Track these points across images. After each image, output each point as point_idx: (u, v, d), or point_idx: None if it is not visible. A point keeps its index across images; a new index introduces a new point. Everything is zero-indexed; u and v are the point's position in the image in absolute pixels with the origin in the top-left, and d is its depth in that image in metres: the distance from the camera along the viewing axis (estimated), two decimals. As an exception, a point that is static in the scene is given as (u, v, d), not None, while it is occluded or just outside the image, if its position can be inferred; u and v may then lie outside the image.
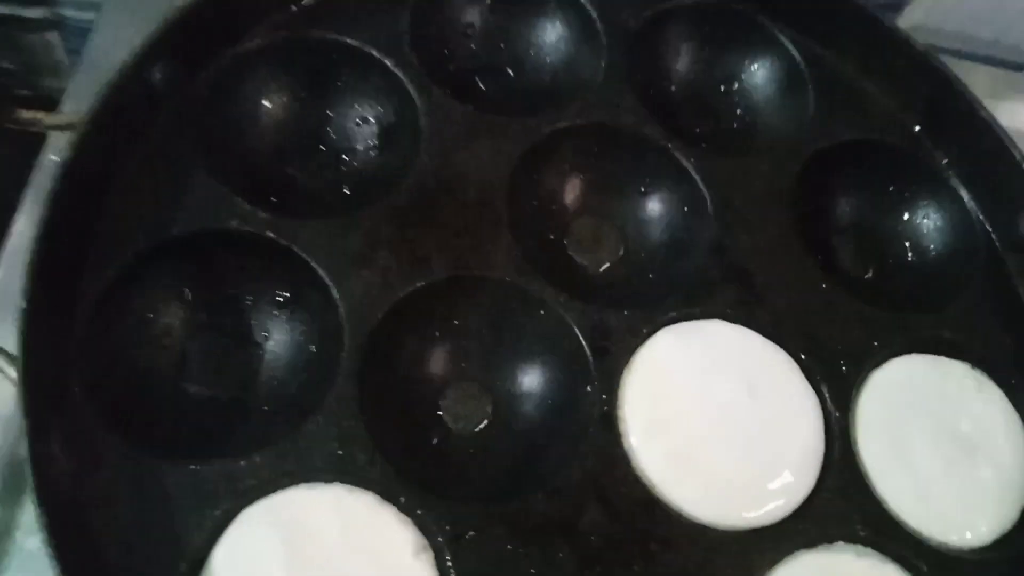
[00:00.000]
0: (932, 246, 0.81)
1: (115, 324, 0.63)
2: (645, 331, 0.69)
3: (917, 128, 0.83)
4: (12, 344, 0.58)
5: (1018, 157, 0.76)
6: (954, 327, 0.74)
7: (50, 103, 0.92)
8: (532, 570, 0.60)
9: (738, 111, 0.85)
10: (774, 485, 0.66)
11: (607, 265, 0.77)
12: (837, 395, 0.69)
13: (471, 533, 0.61)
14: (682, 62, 0.85)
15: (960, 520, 0.67)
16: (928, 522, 0.67)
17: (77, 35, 1.16)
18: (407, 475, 0.62)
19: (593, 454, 0.65)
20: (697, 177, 0.76)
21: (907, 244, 0.81)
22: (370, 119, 0.77)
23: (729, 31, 0.85)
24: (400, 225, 0.70)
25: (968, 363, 0.73)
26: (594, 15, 0.81)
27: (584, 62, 0.81)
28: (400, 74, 0.75)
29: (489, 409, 0.70)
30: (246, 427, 0.65)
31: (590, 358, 0.67)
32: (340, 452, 0.61)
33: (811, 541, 0.64)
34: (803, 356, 0.70)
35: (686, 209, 0.76)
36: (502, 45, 0.84)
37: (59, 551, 0.52)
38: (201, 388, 0.67)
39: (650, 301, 0.71)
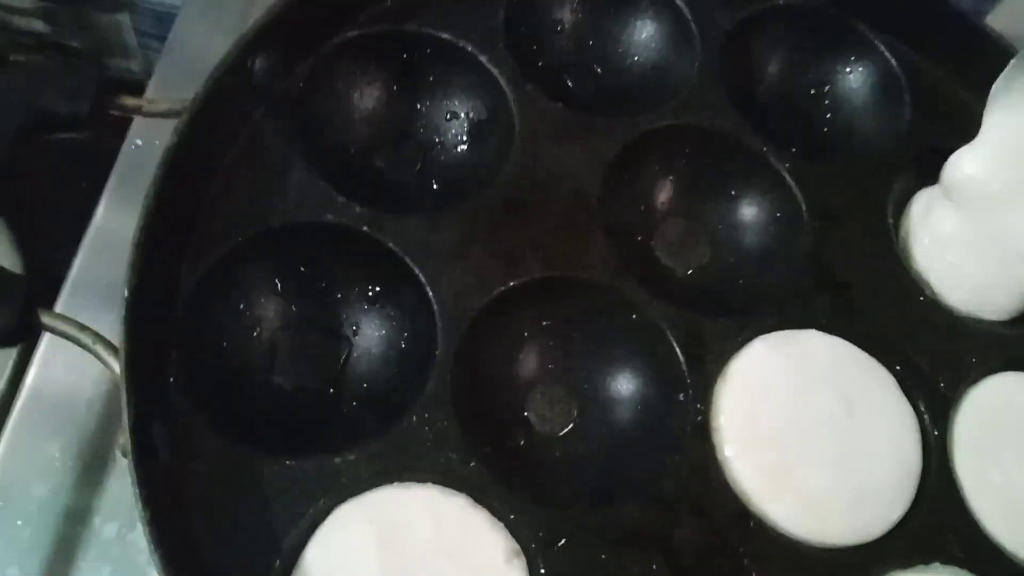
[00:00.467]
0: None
1: (211, 315, 0.63)
2: (739, 339, 0.68)
3: (1012, 138, 0.81)
4: (105, 328, 0.59)
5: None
6: (1052, 346, 0.72)
7: (120, 84, 0.92)
8: (625, 580, 0.60)
9: (828, 116, 0.84)
10: (869, 502, 0.64)
11: (692, 270, 0.76)
12: (934, 411, 0.68)
13: (563, 540, 0.60)
14: (775, 65, 0.84)
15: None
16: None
17: (147, 16, 1.17)
18: (499, 478, 0.61)
19: (687, 464, 0.64)
20: (791, 183, 0.74)
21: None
22: (460, 114, 0.76)
23: (824, 34, 0.83)
24: (492, 223, 0.69)
25: (1066, 383, 0.71)
26: (688, 15, 0.79)
27: (675, 62, 0.80)
28: (494, 70, 0.74)
29: (575, 412, 0.69)
30: (338, 424, 0.64)
31: (684, 366, 0.66)
32: (434, 452, 0.61)
33: (906, 561, 0.63)
34: (899, 368, 0.69)
35: (779, 215, 0.75)
36: (591, 43, 0.83)
37: (159, 544, 0.52)
38: (288, 381, 0.66)
39: (743, 308, 0.70)
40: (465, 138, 0.76)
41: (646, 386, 0.68)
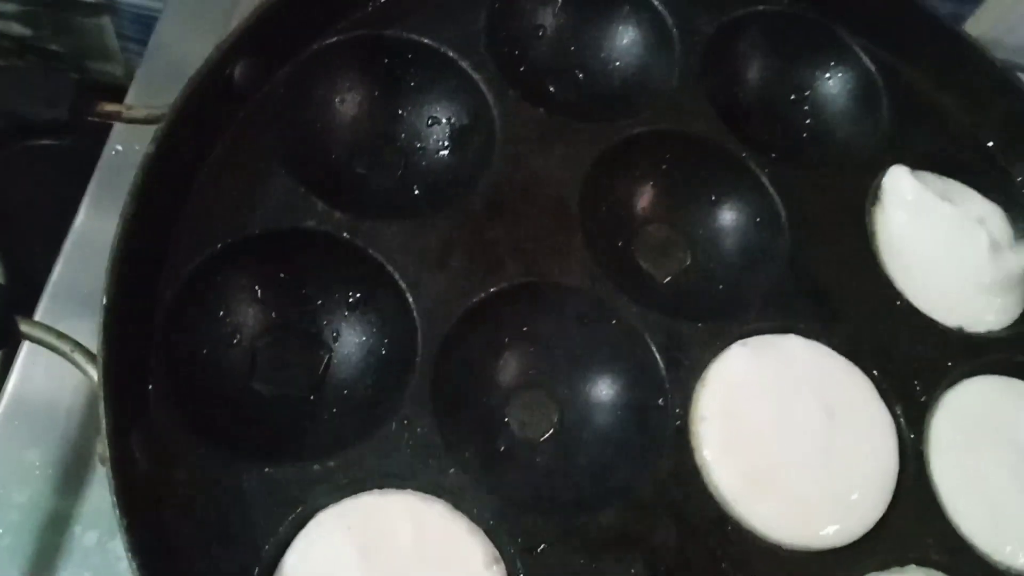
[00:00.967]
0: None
1: (190, 323, 0.63)
2: (719, 344, 0.68)
3: (990, 144, 0.82)
4: (85, 336, 0.58)
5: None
6: (1026, 350, 0.73)
7: (102, 88, 0.92)
8: (605, 585, 0.60)
9: (808, 121, 0.84)
10: (847, 505, 0.65)
11: (673, 274, 0.76)
12: (911, 415, 0.68)
13: (543, 546, 0.60)
14: (755, 70, 0.84)
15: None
16: (1000, 546, 0.66)
17: (129, 20, 1.16)
18: (479, 483, 0.61)
19: (666, 469, 0.64)
20: (771, 188, 0.75)
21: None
22: (441, 119, 0.76)
23: (803, 40, 0.84)
24: (473, 228, 0.69)
25: (1041, 385, 0.72)
26: (668, 20, 0.80)
27: (656, 68, 0.80)
28: (475, 75, 0.74)
29: (555, 418, 0.69)
30: (318, 430, 0.64)
31: (663, 370, 0.67)
32: (413, 458, 0.61)
33: (883, 563, 0.64)
34: (876, 373, 0.69)
35: (758, 220, 0.75)
36: (572, 48, 0.83)
37: (137, 551, 0.52)
38: (268, 388, 0.66)
39: (722, 313, 0.71)
40: (447, 143, 0.76)
41: (626, 391, 0.68)
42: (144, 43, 0.93)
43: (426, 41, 0.74)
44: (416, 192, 0.74)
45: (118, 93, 0.83)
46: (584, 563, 0.60)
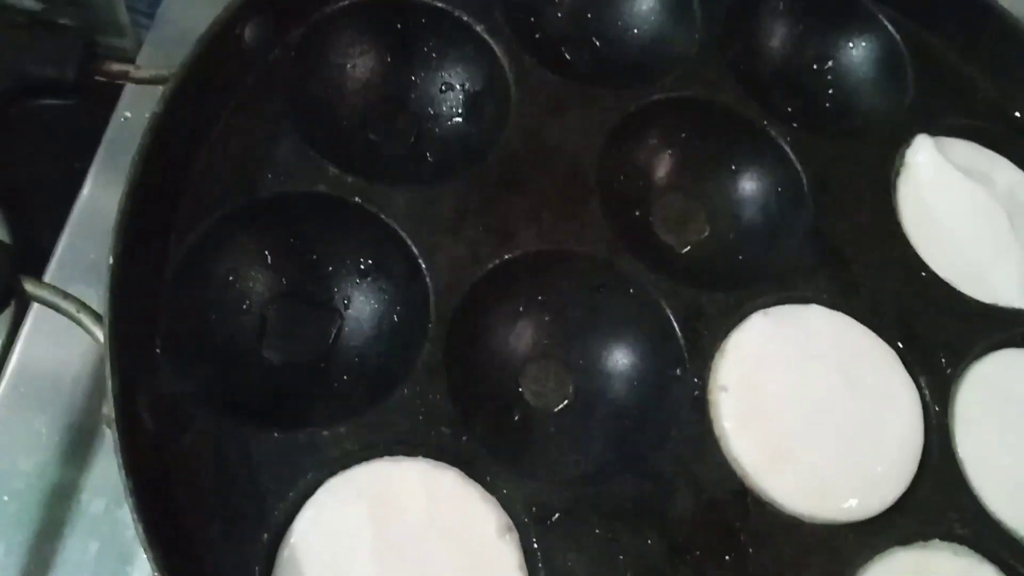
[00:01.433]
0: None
1: (199, 286, 0.62)
2: (738, 314, 0.67)
3: (1018, 114, 0.80)
4: (93, 303, 0.57)
5: None
6: (1056, 322, 0.71)
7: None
8: (620, 556, 0.58)
9: (831, 91, 0.82)
10: (870, 478, 0.63)
11: (692, 244, 0.75)
12: (935, 388, 0.67)
13: (557, 515, 0.59)
14: (776, 38, 0.82)
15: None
16: (1025, 520, 0.64)
17: (140, -6, 1.15)
18: (492, 452, 0.60)
19: (684, 440, 0.62)
20: (793, 157, 0.73)
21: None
22: (456, 85, 0.75)
23: (826, 8, 0.82)
24: (488, 196, 0.68)
25: (1069, 359, 0.70)
26: (689, -14, 0.78)
27: (677, 34, 0.79)
28: (491, 40, 0.72)
29: (570, 388, 0.68)
30: (329, 397, 0.63)
31: (681, 340, 0.65)
32: (425, 426, 0.60)
33: (907, 538, 0.62)
34: (900, 345, 0.68)
35: (780, 190, 0.74)
36: (589, 15, 0.81)
37: (143, 516, 0.51)
38: (278, 354, 0.65)
39: (743, 283, 0.69)
40: (461, 110, 0.75)
41: (643, 361, 0.67)
42: (154, 16, 0.92)
43: (440, 5, 0.73)
44: (429, 159, 0.73)
45: (129, 66, 0.82)
46: (599, 533, 0.59)
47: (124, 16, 1.19)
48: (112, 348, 0.53)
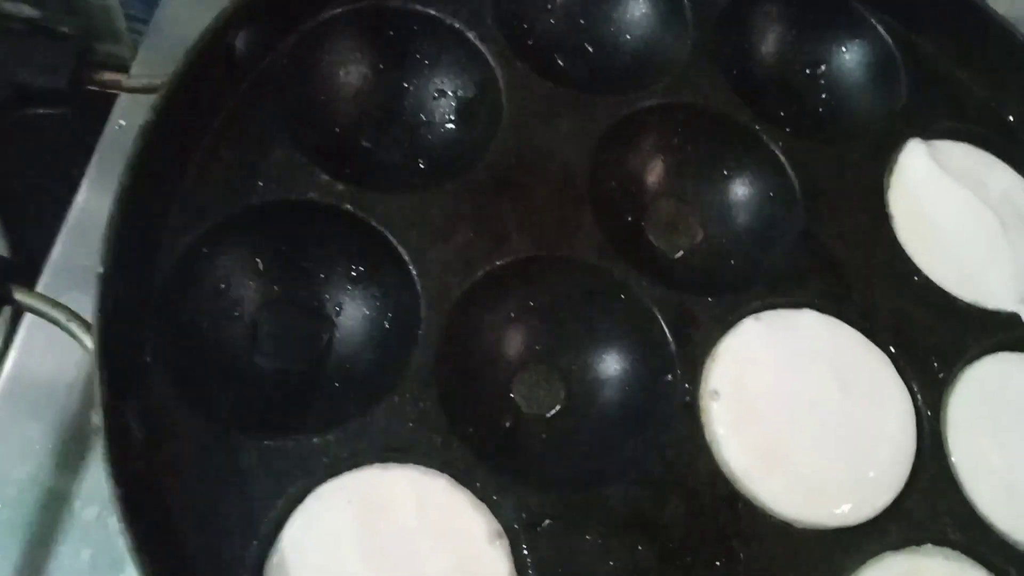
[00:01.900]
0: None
1: (189, 294, 0.62)
2: (730, 319, 0.67)
3: (1011, 118, 0.80)
4: (86, 311, 0.57)
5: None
6: (1049, 326, 0.71)
7: (112, 69, 0.91)
8: (611, 563, 0.58)
9: (823, 95, 0.82)
10: (862, 483, 0.63)
11: (685, 250, 0.75)
12: (928, 392, 0.67)
13: (548, 522, 0.59)
14: (768, 43, 0.82)
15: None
16: (1019, 524, 0.64)
17: (137, 1, 1.15)
18: (482, 459, 0.60)
19: (675, 446, 0.62)
20: (785, 162, 0.73)
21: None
22: (448, 92, 0.75)
23: (819, 12, 0.82)
24: (479, 202, 0.68)
25: (1062, 364, 0.70)
26: (680, -8, 0.78)
27: (669, 40, 0.79)
28: (482, 47, 0.73)
29: (562, 394, 0.67)
30: (319, 404, 0.63)
31: (672, 345, 0.65)
32: (416, 433, 0.60)
33: (899, 543, 0.62)
34: (893, 349, 0.68)
35: (772, 195, 0.74)
36: (582, 21, 0.81)
37: (131, 524, 0.51)
38: (270, 362, 0.65)
39: (735, 288, 0.69)
40: (453, 116, 0.75)
41: (634, 366, 0.67)
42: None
43: (432, 12, 0.73)
44: (422, 166, 0.73)
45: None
46: (590, 540, 0.59)
47: (121, 23, 1.19)
48: (101, 357, 0.53)
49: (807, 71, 0.83)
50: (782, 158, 0.73)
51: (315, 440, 0.58)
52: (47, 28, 1.20)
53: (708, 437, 0.63)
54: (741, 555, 0.60)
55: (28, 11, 1.18)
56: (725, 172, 0.75)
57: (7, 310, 0.59)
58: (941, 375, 0.67)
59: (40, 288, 0.74)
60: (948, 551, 0.62)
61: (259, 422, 0.60)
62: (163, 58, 0.83)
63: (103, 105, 0.81)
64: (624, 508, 0.60)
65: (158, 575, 0.50)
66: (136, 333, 0.58)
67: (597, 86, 0.76)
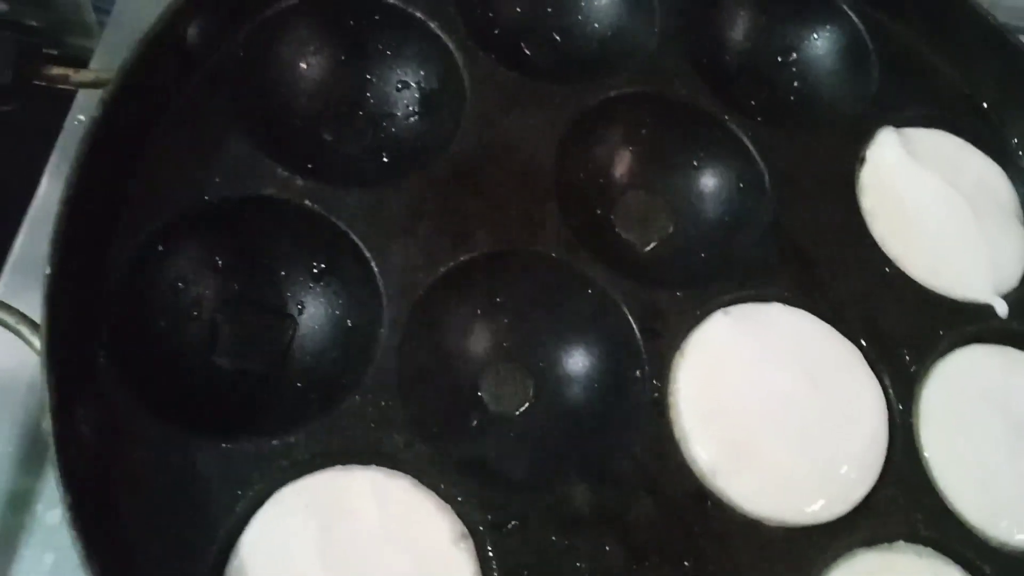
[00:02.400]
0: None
1: (144, 293, 0.61)
2: (698, 313, 0.66)
3: (985, 104, 0.79)
4: (38, 312, 0.56)
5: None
6: (1023, 318, 0.70)
7: (79, 63, 0.90)
8: (578, 563, 0.58)
9: (795, 83, 0.81)
10: (833, 479, 0.62)
11: (655, 243, 0.73)
12: (899, 386, 0.66)
13: (514, 522, 0.58)
14: (738, 30, 0.81)
15: (1024, 518, 0.64)
16: (991, 520, 0.64)
17: (107, -6, 1.13)
18: (446, 459, 0.59)
19: (642, 442, 0.61)
20: (755, 152, 0.72)
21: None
22: (411, 83, 0.73)
23: (790, -1, 0.81)
24: (442, 196, 0.67)
25: (1036, 354, 0.69)
26: (648, -22, 0.77)
27: (636, 28, 0.77)
28: (445, 37, 0.71)
29: (531, 391, 0.66)
30: (279, 405, 0.62)
31: (640, 340, 0.64)
32: (377, 433, 0.59)
33: (871, 539, 0.61)
34: (863, 342, 0.67)
35: (742, 185, 0.73)
36: (549, 9, 0.80)
37: (82, 532, 0.50)
38: (232, 362, 0.64)
39: (703, 281, 0.68)
40: (417, 108, 0.73)
41: (601, 362, 0.66)
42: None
43: (392, 1, 0.71)
44: (385, 159, 0.72)
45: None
46: (556, 540, 0.58)
47: (91, 16, 1.18)
48: (49, 361, 0.52)
49: (778, 58, 0.81)
50: (751, 147, 0.72)
51: (274, 442, 0.57)
52: (16, 22, 1.19)
53: (677, 434, 0.62)
54: (709, 553, 0.59)
55: (-3, 6, 1.16)
56: (695, 163, 0.74)
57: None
58: (913, 368, 0.67)
59: (1, 284, 0.73)
60: (920, 547, 0.62)
61: (217, 424, 0.58)
62: (122, 49, 0.82)
63: (63, 100, 0.80)
64: (591, 507, 0.59)
65: (110, 584, 0.48)
66: (88, 334, 0.57)
67: (564, 76, 0.75)
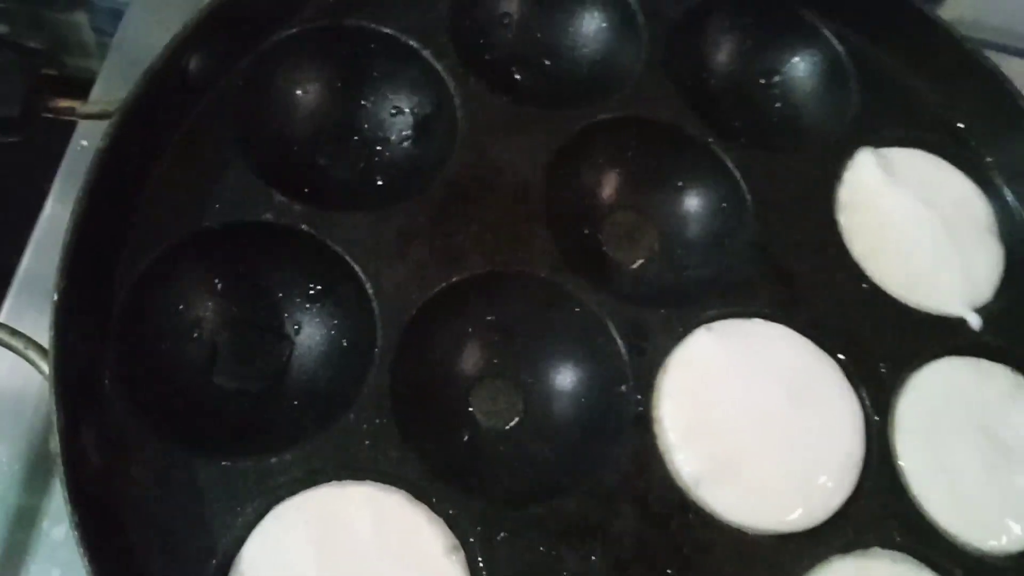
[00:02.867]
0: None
1: (147, 317, 0.63)
2: (682, 330, 0.68)
3: (961, 125, 0.81)
4: (44, 337, 0.58)
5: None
6: (996, 331, 0.72)
7: (77, 84, 0.91)
8: (565, 573, 0.60)
9: (777, 105, 0.83)
10: (812, 489, 0.64)
11: (641, 262, 0.76)
12: (876, 398, 0.68)
13: (503, 534, 0.60)
14: (722, 54, 0.84)
15: (997, 526, 0.66)
16: (965, 527, 0.65)
17: (104, 15, 1.15)
18: (438, 473, 0.61)
19: (628, 456, 0.64)
20: (737, 173, 0.74)
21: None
22: (405, 109, 0.76)
23: (772, 23, 0.83)
24: (435, 219, 0.69)
25: (1009, 367, 0.72)
26: (634, 5, 0.79)
27: (623, 54, 0.80)
28: (437, 64, 0.74)
29: (520, 407, 0.69)
30: (277, 423, 0.64)
31: (625, 357, 0.66)
32: (372, 450, 0.61)
33: (847, 546, 0.63)
34: (842, 357, 0.69)
35: (724, 205, 0.75)
36: (539, 35, 0.82)
37: (89, 548, 0.52)
38: (231, 382, 0.66)
39: (687, 299, 0.70)
40: (410, 134, 0.76)
41: (589, 378, 0.68)
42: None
43: (387, 31, 0.74)
44: (379, 183, 0.74)
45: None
46: (544, 551, 0.60)
47: (90, 37, 1.20)
48: (57, 384, 0.54)
49: (761, 81, 0.84)
50: (733, 169, 0.74)
51: (272, 460, 0.60)
52: (16, 43, 1.21)
53: (661, 447, 0.64)
54: (693, 562, 0.61)
55: (-4, 27, 1.19)
56: (680, 183, 0.77)
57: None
58: (889, 380, 0.69)
59: (5, 308, 0.75)
60: (895, 554, 0.63)
61: (217, 443, 0.61)
62: (126, 76, 0.84)
63: (67, 126, 0.82)
64: (578, 519, 0.61)
65: (116, 598, 0.51)
66: (93, 358, 0.59)
67: (554, 100, 0.77)
